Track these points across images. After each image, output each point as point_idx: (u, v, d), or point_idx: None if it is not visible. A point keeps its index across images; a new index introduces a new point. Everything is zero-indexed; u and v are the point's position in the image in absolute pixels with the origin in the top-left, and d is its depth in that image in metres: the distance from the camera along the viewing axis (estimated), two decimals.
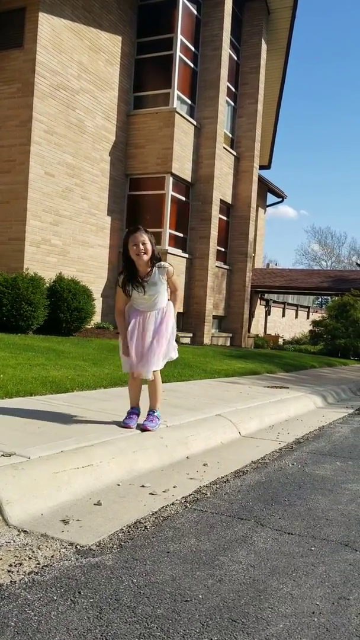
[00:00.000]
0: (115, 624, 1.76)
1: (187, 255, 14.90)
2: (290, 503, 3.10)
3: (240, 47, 17.01)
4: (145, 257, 3.83)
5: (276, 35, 17.62)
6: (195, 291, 15.04)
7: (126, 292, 3.92)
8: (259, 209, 21.67)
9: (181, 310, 14.72)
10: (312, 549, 2.48)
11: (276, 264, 49.67)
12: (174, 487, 3.18)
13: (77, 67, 12.51)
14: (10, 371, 5.64)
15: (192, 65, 14.89)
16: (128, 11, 14.21)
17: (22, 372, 5.72)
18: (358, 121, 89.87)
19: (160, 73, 14.33)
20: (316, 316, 29.97)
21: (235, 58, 16.74)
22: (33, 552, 2.23)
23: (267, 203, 24.03)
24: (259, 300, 24.03)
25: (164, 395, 5.05)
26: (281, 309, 32.91)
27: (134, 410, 4.08)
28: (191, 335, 14.79)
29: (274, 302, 30.31)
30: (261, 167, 18.98)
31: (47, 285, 10.66)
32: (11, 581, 1.99)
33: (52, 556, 2.21)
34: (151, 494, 3.03)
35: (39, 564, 2.14)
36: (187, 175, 14.61)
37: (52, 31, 11.69)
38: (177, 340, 4.24)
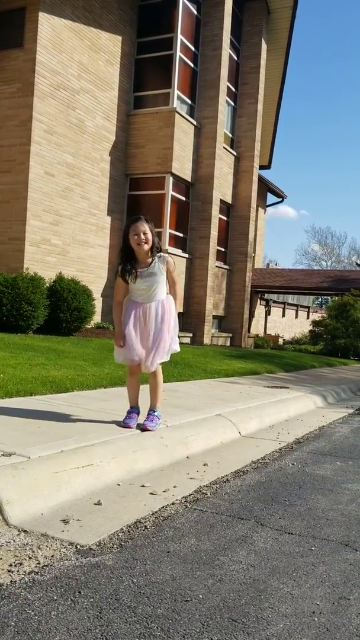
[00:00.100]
0: (115, 623, 1.76)
1: (187, 255, 14.90)
2: (290, 503, 3.10)
3: (240, 47, 17.01)
4: (146, 247, 3.84)
5: (276, 35, 17.62)
6: (195, 291, 15.04)
7: (125, 279, 3.91)
8: (259, 209, 21.67)
9: (181, 310, 14.72)
10: (313, 548, 2.48)
11: (276, 264, 49.69)
12: (174, 486, 3.18)
13: (77, 67, 12.51)
14: (11, 371, 5.64)
15: (192, 65, 14.89)
16: (128, 11, 14.21)
17: (22, 371, 5.72)
18: (358, 121, 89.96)
19: (160, 73, 14.33)
20: (316, 316, 29.97)
21: (235, 58, 16.74)
22: (33, 551, 2.23)
23: (267, 203, 24.02)
24: (259, 300, 24.03)
25: (164, 395, 5.05)
26: (281, 309, 32.92)
27: (134, 410, 4.08)
28: (191, 335, 14.79)
29: (274, 302, 30.31)
30: (261, 167, 18.98)
31: (47, 285, 10.66)
32: (11, 581, 1.99)
33: (52, 556, 2.21)
34: (151, 493, 3.03)
35: (39, 563, 2.14)
36: (187, 175, 14.61)
37: (52, 31, 11.69)
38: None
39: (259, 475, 3.64)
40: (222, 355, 11.51)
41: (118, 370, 6.76)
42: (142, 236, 3.80)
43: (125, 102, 14.31)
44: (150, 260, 3.89)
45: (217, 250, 15.70)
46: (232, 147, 16.67)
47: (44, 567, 2.11)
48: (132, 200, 14.43)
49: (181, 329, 14.44)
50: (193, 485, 3.26)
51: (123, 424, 3.94)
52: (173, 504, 2.92)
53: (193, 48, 14.88)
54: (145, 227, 3.82)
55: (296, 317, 35.81)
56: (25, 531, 2.41)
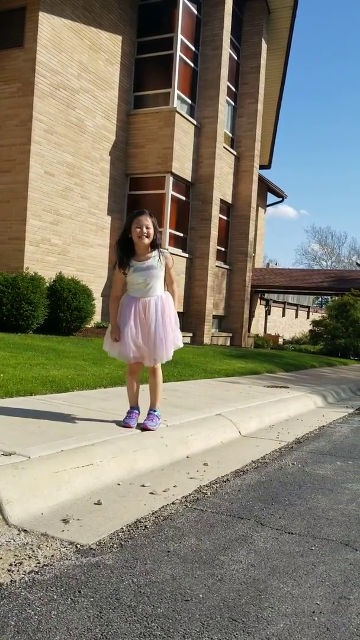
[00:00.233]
0: (115, 623, 1.76)
1: (187, 255, 14.90)
2: (290, 502, 3.10)
3: (241, 46, 17.00)
4: (147, 241, 3.85)
5: (276, 35, 17.61)
6: (195, 291, 15.04)
7: (122, 268, 3.90)
8: (259, 208, 21.67)
9: (181, 310, 14.72)
10: (313, 548, 2.48)
11: (276, 264, 49.66)
12: (174, 486, 3.18)
13: (77, 67, 12.51)
14: (11, 371, 5.64)
15: (192, 64, 14.89)
16: (128, 11, 14.21)
17: (22, 371, 5.72)
18: (358, 121, 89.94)
19: (160, 72, 14.33)
20: (316, 316, 29.97)
21: (236, 58, 16.74)
22: (33, 551, 2.23)
23: (267, 203, 24.02)
24: (259, 300, 24.03)
25: (164, 394, 5.05)
26: (281, 309, 32.92)
27: (134, 410, 4.08)
28: (191, 334, 14.79)
29: (274, 301, 30.31)
30: (261, 167, 18.98)
31: (47, 284, 10.66)
32: (11, 580, 1.99)
33: (52, 555, 2.21)
34: (151, 493, 3.03)
35: (39, 563, 2.14)
36: (187, 175, 14.61)
37: (52, 30, 11.68)
38: None
39: (259, 474, 3.64)
40: (222, 355, 11.51)
41: (118, 370, 6.76)
42: (145, 230, 3.82)
43: (126, 102, 14.30)
44: (149, 254, 3.90)
45: (217, 250, 15.70)
46: (232, 147, 16.67)
47: (44, 567, 2.11)
48: (132, 200, 14.43)
49: (181, 329, 14.32)
50: (193, 484, 3.26)
51: (123, 424, 3.94)
52: (173, 503, 2.92)
53: (193, 48, 14.88)
54: (148, 222, 3.84)
55: (296, 317, 35.81)
56: (25, 531, 2.41)
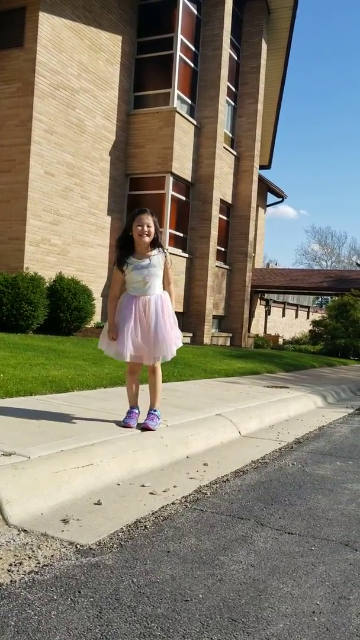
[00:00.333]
0: (115, 623, 1.76)
1: (187, 255, 14.90)
2: (290, 503, 3.10)
3: (241, 46, 17.00)
4: (147, 239, 3.87)
5: (276, 35, 17.61)
6: (195, 291, 15.04)
7: (121, 267, 3.92)
8: (259, 208, 21.67)
9: (181, 310, 14.73)
10: (312, 548, 2.48)
11: (276, 264, 49.68)
12: (174, 486, 3.18)
13: (77, 67, 12.51)
14: (11, 371, 5.64)
15: (192, 64, 14.89)
16: (128, 11, 14.21)
17: (22, 371, 5.72)
18: (358, 121, 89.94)
19: (160, 73, 14.33)
20: (316, 316, 29.97)
21: (236, 58, 16.74)
22: (33, 551, 2.23)
23: (267, 203, 24.02)
24: (259, 300, 24.03)
25: (164, 394, 5.05)
26: (281, 309, 32.92)
27: (134, 410, 4.07)
28: (191, 335, 14.79)
29: (274, 302, 30.31)
30: (261, 167, 18.98)
31: (47, 284, 10.66)
32: (11, 580, 1.99)
33: (52, 556, 2.21)
34: (151, 493, 3.03)
35: (39, 563, 2.14)
36: (187, 175, 14.61)
37: (52, 30, 11.68)
38: None
39: (258, 475, 3.64)
40: (222, 355, 11.51)
41: (118, 370, 6.76)
42: (146, 228, 3.84)
43: (126, 102, 14.30)
44: (149, 253, 3.91)
45: (217, 250, 15.70)
46: (232, 147, 16.67)
47: (44, 567, 2.11)
48: (132, 200, 14.43)
49: (181, 329, 14.35)
50: (193, 485, 3.26)
51: (123, 424, 3.94)
52: (173, 503, 2.92)
53: (193, 48, 14.88)
54: (149, 220, 3.86)
55: (296, 317, 35.81)
56: (25, 531, 2.41)
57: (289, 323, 34.15)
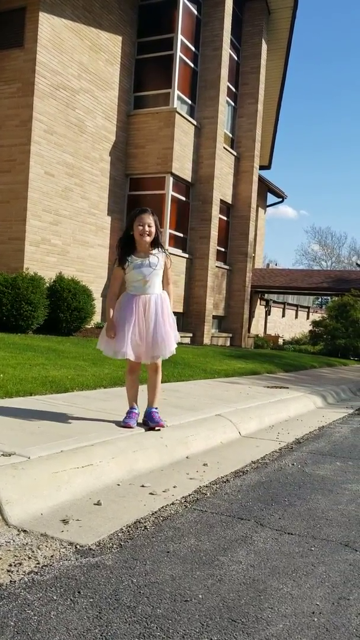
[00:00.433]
0: (114, 623, 1.76)
1: (187, 255, 14.90)
2: (290, 503, 3.10)
3: (241, 47, 17.01)
4: (148, 239, 3.90)
5: (276, 35, 17.62)
6: (195, 291, 15.04)
7: (122, 264, 3.94)
8: (259, 209, 21.67)
9: (181, 310, 14.73)
10: (312, 549, 2.48)
11: (276, 264, 49.68)
12: (174, 487, 3.18)
13: (77, 67, 12.51)
14: (10, 371, 5.64)
15: (192, 65, 14.89)
16: (128, 11, 14.21)
17: (22, 371, 5.72)
18: (358, 121, 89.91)
19: (160, 73, 14.33)
20: (316, 316, 29.97)
21: (236, 58, 16.74)
22: (33, 551, 2.23)
23: (267, 203, 24.03)
24: (259, 300, 24.03)
25: (164, 395, 5.05)
26: (281, 309, 32.91)
27: (134, 410, 4.08)
28: (191, 335, 14.79)
29: (274, 302, 30.30)
30: (261, 167, 18.98)
31: (47, 285, 10.66)
32: (11, 581, 1.99)
33: (51, 556, 2.21)
34: (151, 493, 3.02)
35: (38, 563, 2.13)
36: (187, 175, 14.61)
37: (52, 31, 11.69)
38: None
39: (258, 475, 3.64)
40: (222, 355, 11.51)
41: (118, 370, 6.76)
42: (147, 228, 3.87)
43: (126, 102, 14.31)
44: (149, 252, 3.95)
45: (217, 250, 15.70)
46: (232, 147, 16.67)
47: (44, 567, 2.11)
48: (132, 200, 14.43)
49: (181, 329, 14.44)
50: (193, 485, 3.26)
51: (123, 424, 3.94)
52: (173, 504, 2.92)
53: (193, 48, 14.88)
54: (150, 220, 3.90)
55: (296, 317, 35.80)
56: (24, 531, 2.41)
57: (289, 323, 34.15)
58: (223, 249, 16.60)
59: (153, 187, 14.28)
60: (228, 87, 15.90)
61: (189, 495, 3.09)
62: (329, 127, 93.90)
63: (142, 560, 2.24)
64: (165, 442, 3.80)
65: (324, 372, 11.90)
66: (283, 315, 33.31)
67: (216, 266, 15.66)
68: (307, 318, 35.97)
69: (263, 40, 16.90)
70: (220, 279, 16.29)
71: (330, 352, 18.47)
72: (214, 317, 16.19)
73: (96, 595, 1.93)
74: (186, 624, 1.79)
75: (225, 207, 16.62)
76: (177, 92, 14.13)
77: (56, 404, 4.54)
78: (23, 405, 4.33)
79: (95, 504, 2.78)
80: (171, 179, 14.00)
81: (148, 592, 1.98)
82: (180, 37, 14.17)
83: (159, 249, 3.99)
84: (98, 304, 12.83)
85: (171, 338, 3.97)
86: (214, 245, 15.23)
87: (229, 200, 16.55)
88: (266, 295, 26.29)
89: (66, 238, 12.44)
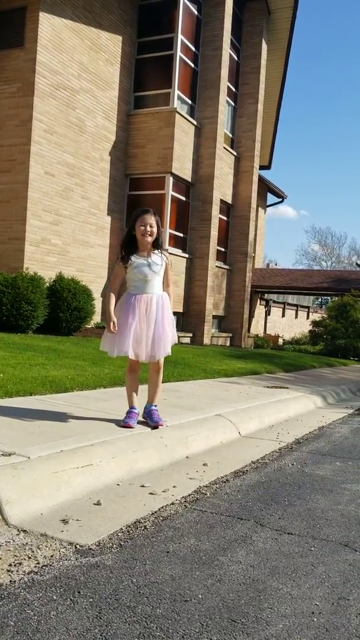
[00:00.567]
0: (114, 623, 1.76)
1: (187, 255, 14.90)
2: (289, 503, 3.10)
3: (241, 47, 17.01)
4: (150, 239, 3.93)
5: (276, 35, 17.62)
6: (195, 291, 15.04)
7: (125, 262, 3.96)
8: (259, 209, 21.67)
9: (181, 310, 14.73)
10: (312, 549, 2.48)
11: (276, 264, 49.68)
12: (174, 487, 3.18)
13: (77, 67, 12.51)
14: (10, 371, 5.64)
15: (192, 65, 14.89)
16: (128, 11, 14.21)
17: (22, 371, 5.72)
18: (358, 121, 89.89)
19: (160, 73, 14.33)
20: (316, 316, 29.97)
21: (236, 58, 16.74)
22: (32, 551, 2.23)
23: (267, 203, 24.03)
24: (259, 300, 24.03)
25: (164, 395, 5.05)
26: (281, 309, 32.90)
27: (133, 410, 4.08)
28: (191, 335, 14.79)
29: (274, 302, 30.29)
30: (261, 167, 18.98)
31: (47, 284, 10.66)
32: (11, 581, 1.99)
33: (51, 556, 2.21)
34: (151, 493, 3.03)
35: (38, 563, 2.14)
36: (187, 175, 14.61)
37: (52, 31, 11.69)
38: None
39: (258, 475, 3.64)
40: (222, 355, 11.51)
41: (118, 370, 6.76)
42: (148, 228, 3.90)
43: (126, 102, 14.31)
44: (151, 252, 3.98)
45: (217, 250, 15.70)
46: (232, 147, 16.67)
47: (44, 567, 2.11)
48: (132, 200, 14.44)
49: (181, 329, 14.44)
50: (193, 485, 3.26)
51: (123, 424, 3.94)
52: (173, 504, 2.92)
53: (193, 48, 14.88)
54: (152, 220, 3.93)
55: (296, 317, 35.79)
56: (24, 531, 2.41)
57: (288, 323, 34.14)
58: (223, 249, 16.60)
59: (153, 187, 14.28)
60: (228, 87, 15.89)
61: (189, 495, 3.09)
62: (329, 127, 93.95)
63: (142, 560, 2.24)
64: (165, 442, 3.80)
65: (324, 372, 11.90)
66: (283, 315, 33.31)
67: (216, 266, 15.66)
68: (307, 318, 35.96)
69: (263, 40, 16.90)
70: (220, 278, 16.29)
71: (330, 352, 18.47)
72: (214, 317, 16.19)
73: (96, 595, 1.93)
74: (186, 624, 1.79)
75: (225, 207, 16.62)
76: (177, 92, 14.13)
77: (56, 404, 4.54)
78: (23, 405, 4.34)
79: (95, 504, 2.78)
80: (171, 178, 13.99)
81: (148, 592, 1.98)
82: (180, 37, 14.17)
83: (161, 249, 4.01)
84: (98, 303, 12.83)
85: (169, 339, 4.00)
86: (214, 245, 15.24)
87: (229, 200, 16.55)
88: (266, 295, 26.28)
89: (66, 238, 12.44)
